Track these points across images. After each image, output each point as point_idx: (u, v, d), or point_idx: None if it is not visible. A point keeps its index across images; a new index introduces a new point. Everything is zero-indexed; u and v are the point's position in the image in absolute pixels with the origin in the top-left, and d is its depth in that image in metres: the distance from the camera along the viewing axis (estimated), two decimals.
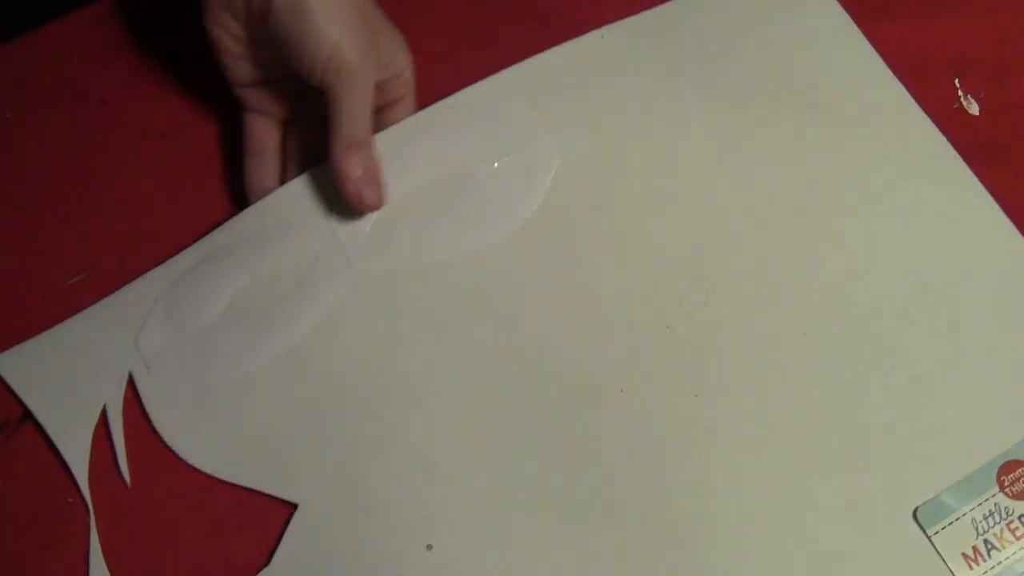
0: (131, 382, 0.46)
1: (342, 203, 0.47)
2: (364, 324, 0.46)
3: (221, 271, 0.47)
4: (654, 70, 0.50)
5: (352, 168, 0.46)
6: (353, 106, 0.45)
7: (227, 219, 0.49)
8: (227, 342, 0.46)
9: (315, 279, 0.47)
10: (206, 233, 0.49)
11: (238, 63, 0.48)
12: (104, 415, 0.45)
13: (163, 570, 0.44)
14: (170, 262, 0.48)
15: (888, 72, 0.51)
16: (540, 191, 0.47)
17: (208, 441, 0.44)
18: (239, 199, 0.51)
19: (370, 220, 0.47)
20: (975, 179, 0.48)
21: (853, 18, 0.53)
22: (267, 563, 0.43)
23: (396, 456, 0.43)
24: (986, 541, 0.40)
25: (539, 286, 0.46)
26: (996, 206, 0.47)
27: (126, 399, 0.46)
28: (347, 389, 0.45)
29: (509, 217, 0.47)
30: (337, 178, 0.46)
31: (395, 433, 0.44)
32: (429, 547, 0.42)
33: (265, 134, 0.50)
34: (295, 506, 0.43)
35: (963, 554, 0.40)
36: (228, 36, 0.47)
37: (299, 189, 0.48)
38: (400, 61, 0.48)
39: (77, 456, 0.45)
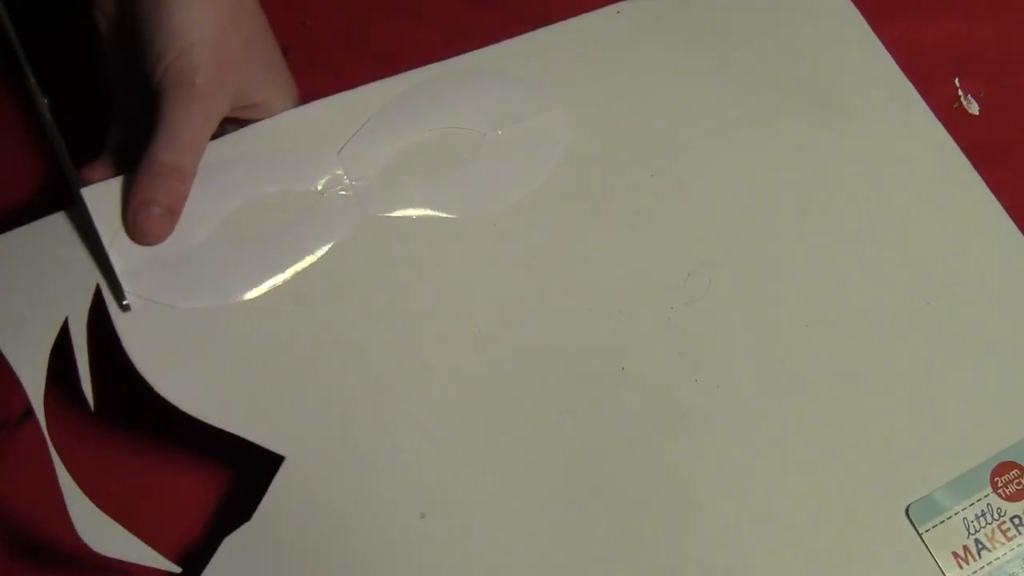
0: (98, 295, 0.42)
1: (353, 140, 0.45)
2: (367, 273, 0.44)
3: (211, 190, 0.43)
4: (667, 50, 0.50)
5: (149, 189, 0.40)
6: (180, 123, 0.40)
7: None
8: (212, 267, 0.42)
9: (317, 213, 0.44)
10: None
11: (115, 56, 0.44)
12: (66, 330, 0.41)
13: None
14: None
15: (899, 72, 0.51)
16: (549, 163, 0.47)
17: (189, 379, 0.41)
18: None
19: (378, 165, 0.45)
20: (981, 181, 0.48)
21: None
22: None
23: (393, 419, 0.42)
24: (977, 541, 0.40)
25: (543, 257, 0.45)
26: (1001, 209, 0.47)
27: (92, 313, 0.42)
28: (344, 342, 0.43)
29: (516, 186, 0.47)
30: (132, 194, 0.40)
31: (394, 395, 0.42)
32: (423, 516, 0.41)
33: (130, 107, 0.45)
34: (281, 458, 0.41)
35: (953, 553, 0.40)
36: (105, 20, 0.43)
37: (309, 115, 0.46)
38: (273, 106, 0.44)
39: (31, 373, 0.40)
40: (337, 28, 0.55)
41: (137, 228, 0.40)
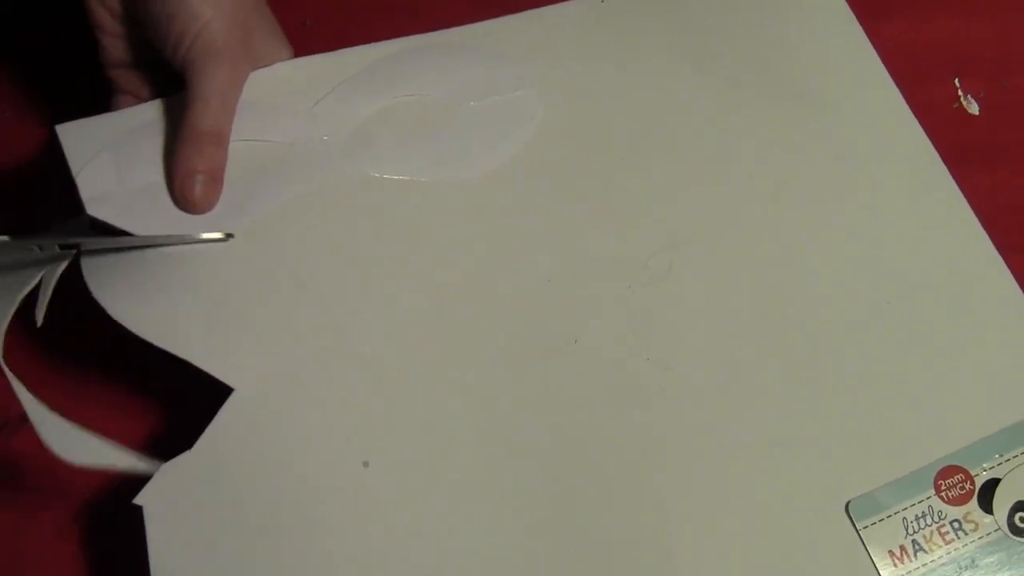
0: None
1: (327, 98, 0.46)
2: (329, 220, 0.45)
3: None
4: (649, 38, 0.51)
5: (191, 159, 0.42)
6: (211, 90, 0.43)
7: None
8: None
9: (284, 160, 0.45)
10: None
11: (115, 42, 0.46)
12: None
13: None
14: (132, 109, 0.46)
15: (884, 72, 0.51)
16: (521, 137, 0.48)
17: (143, 302, 0.41)
18: None
19: (350, 124, 0.46)
20: (955, 185, 0.48)
21: None
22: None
23: (344, 365, 0.42)
24: (914, 542, 0.40)
25: (507, 224, 0.46)
26: (971, 214, 0.47)
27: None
28: (302, 281, 0.43)
29: (486, 156, 0.47)
30: (173, 165, 0.43)
31: (347, 340, 0.42)
32: (366, 464, 0.40)
33: None
34: (229, 390, 0.41)
35: (890, 551, 0.40)
36: (105, 12, 0.45)
37: (290, 71, 0.47)
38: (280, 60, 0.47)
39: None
40: (337, 28, 0.57)
41: (185, 198, 0.43)
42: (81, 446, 0.40)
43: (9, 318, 0.41)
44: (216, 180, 0.43)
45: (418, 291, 0.44)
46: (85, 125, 0.44)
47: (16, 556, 0.44)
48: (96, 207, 0.42)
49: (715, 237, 0.46)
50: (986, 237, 0.47)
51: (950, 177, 0.48)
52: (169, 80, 0.45)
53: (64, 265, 0.42)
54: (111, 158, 0.43)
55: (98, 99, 0.47)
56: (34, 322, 0.41)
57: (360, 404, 0.41)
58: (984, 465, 0.42)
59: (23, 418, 0.43)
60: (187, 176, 0.42)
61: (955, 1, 0.55)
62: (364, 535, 0.39)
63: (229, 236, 0.43)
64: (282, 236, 0.44)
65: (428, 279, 0.44)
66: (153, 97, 0.46)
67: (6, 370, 0.40)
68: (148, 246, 0.43)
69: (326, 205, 0.45)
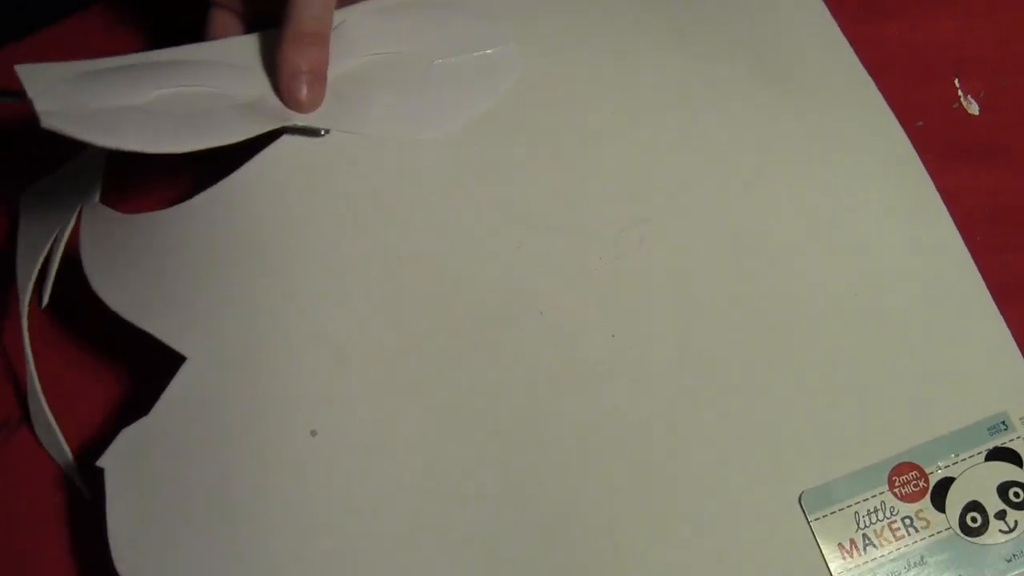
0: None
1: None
2: (289, 185, 0.44)
3: (148, 77, 0.44)
4: (623, 16, 0.50)
5: (296, 59, 0.44)
6: None
7: None
8: (128, 119, 0.42)
9: (242, 117, 0.44)
10: None
11: None
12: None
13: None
14: (93, 61, 0.45)
15: (860, 66, 0.50)
16: (493, 96, 0.47)
17: (116, 274, 0.43)
18: None
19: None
20: (930, 182, 0.48)
21: (853, 18, 0.54)
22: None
23: (297, 333, 0.42)
24: (865, 536, 0.41)
25: (476, 188, 0.46)
26: (944, 211, 0.47)
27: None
28: (259, 249, 0.43)
29: (457, 118, 0.47)
30: (279, 67, 0.44)
31: (300, 308, 0.42)
32: (313, 433, 0.41)
33: (227, 30, 0.49)
34: (183, 358, 0.42)
35: (839, 544, 0.41)
36: None
37: (255, 43, 0.47)
38: None
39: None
40: None
41: (292, 96, 0.44)
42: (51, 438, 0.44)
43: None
44: (320, 76, 0.45)
45: (375, 257, 0.44)
46: (45, 66, 0.43)
47: (16, 556, 0.45)
48: (53, 119, 0.40)
49: (686, 215, 0.46)
50: (956, 233, 0.47)
51: (924, 171, 0.48)
52: None
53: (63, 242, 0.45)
54: (70, 82, 0.43)
55: None
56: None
57: (310, 372, 0.42)
58: (939, 463, 0.42)
59: (23, 418, 0.48)
60: (293, 76, 0.44)
61: (955, 1, 0.55)
62: (310, 503, 0.40)
63: (326, 131, 0.45)
64: (240, 202, 0.44)
65: (387, 242, 0.44)
66: (249, 14, 0.48)
67: (26, 348, 0.44)
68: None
69: (284, 169, 0.44)
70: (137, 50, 0.46)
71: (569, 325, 0.44)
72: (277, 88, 0.45)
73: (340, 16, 0.47)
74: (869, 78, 0.50)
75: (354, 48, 0.47)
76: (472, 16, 0.49)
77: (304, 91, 0.44)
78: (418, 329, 0.43)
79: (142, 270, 0.43)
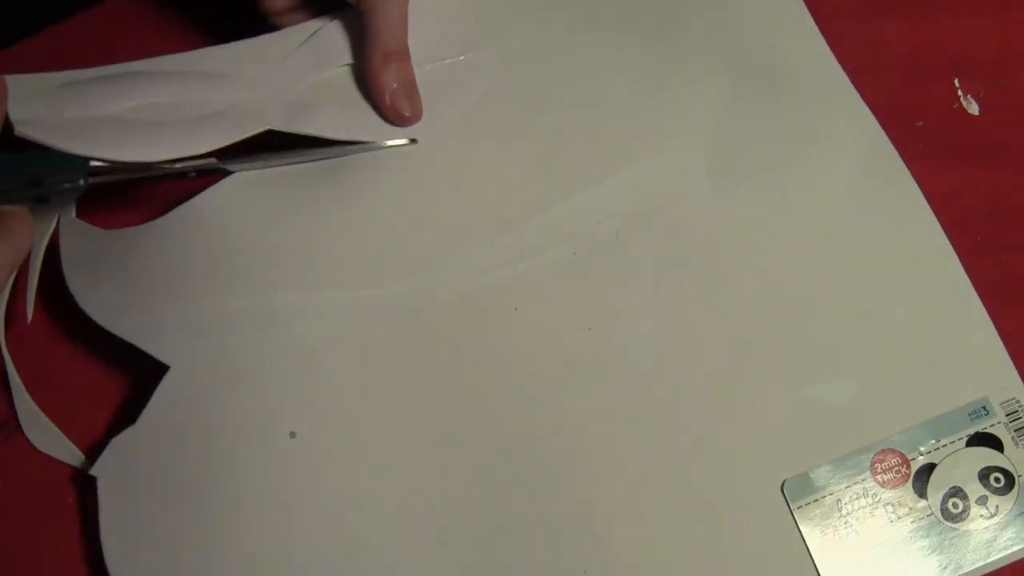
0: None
1: (276, 75, 0.47)
2: (263, 193, 0.46)
3: (125, 87, 0.45)
4: (599, 11, 0.51)
5: (389, 79, 0.46)
6: (392, 14, 0.46)
7: None
8: (108, 129, 0.44)
9: (223, 119, 0.45)
10: None
11: None
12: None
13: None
14: (79, 71, 0.46)
15: (835, 62, 0.50)
16: (469, 99, 0.48)
17: (100, 289, 0.44)
18: None
19: (296, 90, 0.47)
20: (907, 172, 0.48)
21: (853, 18, 0.54)
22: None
23: (275, 337, 0.43)
24: (847, 523, 0.41)
25: (452, 186, 0.46)
26: (924, 201, 0.47)
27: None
28: (236, 257, 0.44)
29: (433, 120, 0.48)
30: (374, 90, 0.46)
31: (277, 314, 0.43)
32: (292, 435, 0.42)
33: None
34: (166, 368, 0.43)
35: (822, 531, 0.41)
36: None
37: (240, 51, 0.48)
38: None
39: None
40: None
41: (398, 115, 0.47)
42: (51, 440, 0.45)
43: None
44: (412, 88, 0.47)
45: (349, 262, 0.45)
46: (31, 77, 0.44)
47: (16, 556, 0.46)
48: (26, 128, 0.42)
49: (662, 208, 0.46)
50: (936, 222, 0.47)
51: (902, 162, 0.48)
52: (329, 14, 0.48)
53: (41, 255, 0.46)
54: (51, 92, 0.44)
55: None
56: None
57: (288, 376, 0.43)
58: (921, 450, 0.42)
59: None
60: (384, 93, 0.46)
61: (955, 1, 0.55)
62: (289, 504, 0.41)
63: (413, 141, 0.47)
64: (216, 212, 0.45)
65: (362, 244, 0.45)
66: None
67: (7, 359, 0.46)
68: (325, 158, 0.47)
69: (259, 177, 0.46)
70: (146, 45, 0.48)
71: (545, 320, 0.44)
72: (378, 109, 0.47)
73: (316, 24, 0.48)
74: (842, 71, 0.50)
75: (324, 61, 0.48)
76: (439, 22, 0.49)
77: (406, 108, 0.47)
78: (393, 327, 0.44)
79: (120, 280, 0.44)
